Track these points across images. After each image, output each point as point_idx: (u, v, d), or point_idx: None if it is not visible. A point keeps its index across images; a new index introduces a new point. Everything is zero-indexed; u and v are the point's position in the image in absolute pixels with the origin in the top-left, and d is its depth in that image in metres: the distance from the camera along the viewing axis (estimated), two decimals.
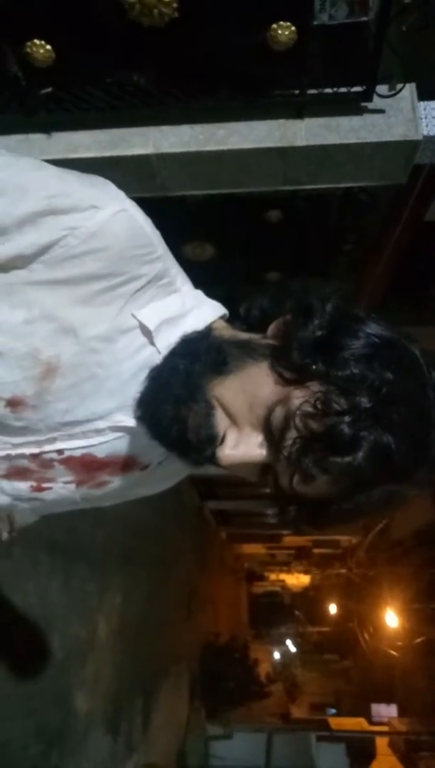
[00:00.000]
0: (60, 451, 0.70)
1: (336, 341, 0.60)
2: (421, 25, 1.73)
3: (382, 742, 8.87)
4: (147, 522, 4.99)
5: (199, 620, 8.08)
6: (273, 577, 20.72)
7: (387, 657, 10.31)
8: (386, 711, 10.56)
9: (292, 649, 16.49)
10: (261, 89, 1.88)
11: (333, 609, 15.03)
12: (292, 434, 0.59)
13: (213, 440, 0.64)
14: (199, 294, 0.73)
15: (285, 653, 16.31)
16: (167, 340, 0.67)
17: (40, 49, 1.76)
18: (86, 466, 0.73)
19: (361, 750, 7.68)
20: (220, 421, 0.64)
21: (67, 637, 3.20)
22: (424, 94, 1.91)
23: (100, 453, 0.72)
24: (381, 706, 10.70)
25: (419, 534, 7.75)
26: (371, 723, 9.90)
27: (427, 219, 2.98)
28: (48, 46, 1.76)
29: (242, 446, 0.63)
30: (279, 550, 17.19)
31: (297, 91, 1.86)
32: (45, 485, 0.74)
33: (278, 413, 0.61)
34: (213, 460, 0.65)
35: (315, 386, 0.60)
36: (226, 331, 0.70)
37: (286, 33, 1.66)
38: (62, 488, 0.75)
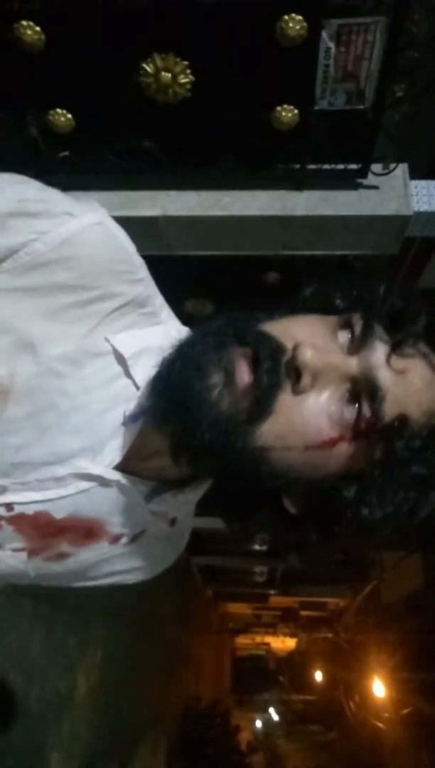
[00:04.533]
0: (9, 506, 0.58)
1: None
2: (413, 113, 1.89)
3: None
4: None
5: (181, 682, 7.80)
6: (258, 639, 20.08)
7: (374, 730, 9.92)
8: None
9: (275, 717, 15.84)
10: (264, 162, 2.02)
11: (319, 676, 14.53)
12: (378, 317, 0.54)
13: (282, 354, 0.51)
14: (185, 330, 0.63)
15: (267, 721, 15.65)
16: (146, 373, 0.57)
17: (62, 117, 1.89)
18: (40, 530, 0.59)
19: None
20: (287, 341, 0.52)
21: (47, 690, 3.12)
22: (416, 174, 2.05)
23: (59, 512, 0.59)
24: None
25: (409, 599, 7.62)
26: None
27: (420, 286, 3.13)
28: (69, 115, 1.89)
29: (324, 350, 0.51)
30: (265, 611, 16.75)
31: (298, 166, 2.00)
32: None
33: (356, 316, 0.54)
34: (279, 380, 0.50)
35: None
36: None
37: (289, 115, 1.81)
38: (10, 557, 0.61)
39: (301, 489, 0.54)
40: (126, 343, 0.58)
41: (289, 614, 15.57)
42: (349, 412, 0.51)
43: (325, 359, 0.50)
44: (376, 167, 2.01)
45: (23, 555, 0.61)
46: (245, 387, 0.49)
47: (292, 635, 17.54)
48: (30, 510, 0.58)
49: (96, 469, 0.57)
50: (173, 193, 2.10)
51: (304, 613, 14.56)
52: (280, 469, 0.51)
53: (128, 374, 0.58)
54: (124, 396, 0.58)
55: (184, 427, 0.50)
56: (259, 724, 15.41)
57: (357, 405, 0.51)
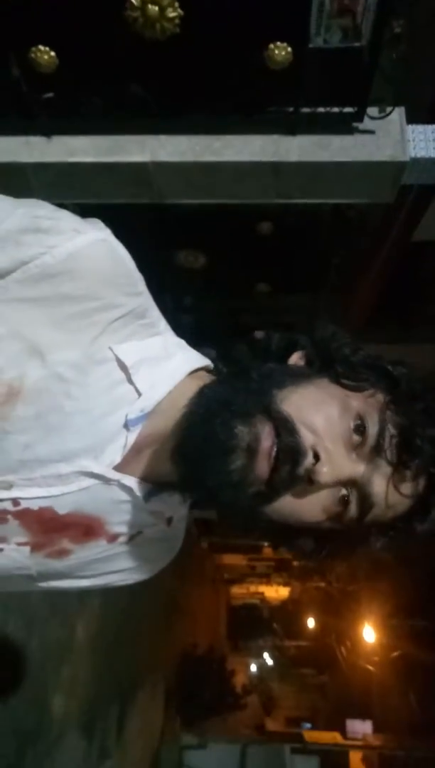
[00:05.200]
0: (15, 501, 0.62)
1: (372, 360, 0.65)
2: (411, 53, 1.81)
3: (355, 758, 8.86)
4: None
5: (178, 630, 8.05)
6: (252, 589, 20.64)
7: (364, 673, 10.33)
8: (361, 727, 10.54)
9: (269, 662, 16.43)
10: (257, 105, 1.95)
11: (311, 623, 15.02)
12: (389, 433, 0.59)
13: (301, 458, 0.56)
14: (183, 342, 0.70)
15: (262, 666, 16.25)
16: (147, 380, 0.63)
17: (45, 55, 1.81)
18: (44, 525, 0.64)
19: (334, 764, 7.67)
20: (305, 437, 0.57)
21: (47, 638, 3.21)
22: (413, 118, 1.98)
23: (62, 508, 0.63)
24: (356, 722, 10.68)
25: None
26: (346, 738, 9.88)
27: (415, 239, 3.07)
28: (52, 53, 1.81)
29: (339, 462, 0.58)
30: (259, 561, 17.17)
31: (291, 109, 1.93)
32: None
33: (371, 417, 0.60)
34: (291, 485, 0.57)
35: (379, 394, 0.63)
36: None
37: (283, 53, 1.73)
38: (15, 551, 0.65)
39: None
40: (127, 352, 0.62)
41: (283, 565, 15.98)
42: (340, 508, 0.61)
43: (336, 475, 0.58)
44: (372, 111, 1.94)
45: (27, 550, 0.65)
46: (262, 475, 0.56)
47: (285, 584, 18.03)
48: (35, 505, 0.62)
49: (97, 468, 0.61)
50: (163, 138, 2.03)
51: (297, 563, 14.94)
52: (275, 521, 0.62)
53: (130, 381, 0.62)
54: (126, 401, 0.62)
55: (206, 491, 0.58)
56: (253, 668, 16.00)
57: (347, 505, 0.61)
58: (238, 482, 0.56)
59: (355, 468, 0.59)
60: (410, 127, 1.96)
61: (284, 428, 0.56)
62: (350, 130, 1.96)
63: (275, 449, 0.56)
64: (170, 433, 0.61)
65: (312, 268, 2.95)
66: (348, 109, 1.91)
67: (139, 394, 0.63)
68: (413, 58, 1.83)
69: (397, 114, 1.95)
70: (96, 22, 1.73)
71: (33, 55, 1.82)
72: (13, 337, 0.58)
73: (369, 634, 9.63)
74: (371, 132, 1.95)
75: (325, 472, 0.57)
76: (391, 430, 0.60)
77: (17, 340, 0.58)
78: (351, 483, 0.60)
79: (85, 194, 2.19)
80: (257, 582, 20.01)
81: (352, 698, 11.11)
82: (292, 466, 0.56)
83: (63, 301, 0.59)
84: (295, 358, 0.67)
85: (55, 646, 3.39)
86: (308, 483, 0.57)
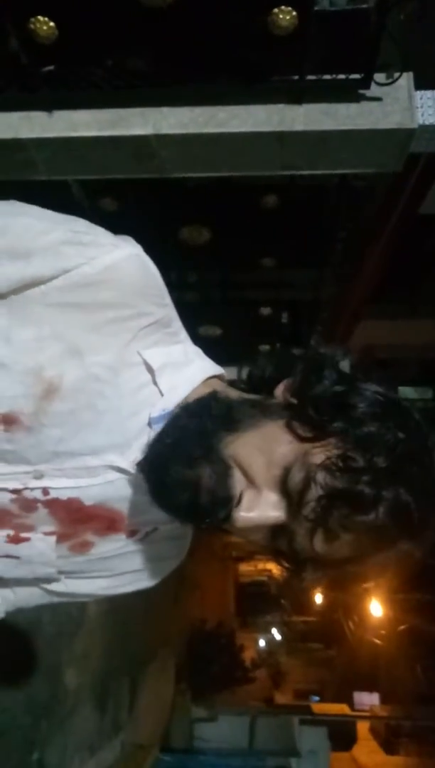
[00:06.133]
0: (45, 490, 0.67)
1: (348, 400, 0.61)
2: (419, 14, 1.76)
3: (363, 728, 9.03)
4: None
5: (187, 606, 8.17)
6: (260, 566, 20.87)
7: (371, 646, 10.46)
8: (368, 699, 10.72)
9: (278, 637, 16.65)
10: (261, 74, 1.90)
11: (319, 599, 15.19)
12: (314, 493, 0.58)
13: (229, 501, 0.61)
14: (200, 351, 0.75)
15: (270, 641, 16.47)
16: (170, 383, 0.68)
17: (44, 25, 1.77)
18: (71, 515, 0.69)
19: (342, 734, 7.81)
20: (238, 481, 0.62)
21: (58, 614, 3.25)
22: (422, 84, 1.93)
23: (88, 499, 0.68)
24: (363, 694, 10.86)
25: None
26: (353, 710, 10.06)
27: (422, 212, 3.02)
28: (51, 23, 1.77)
29: (259, 507, 0.61)
30: None
31: (296, 77, 1.88)
32: (23, 535, 0.70)
33: (297, 471, 0.60)
34: (223, 523, 0.62)
35: (331, 444, 0.60)
36: (232, 392, 0.71)
37: (287, 17, 1.68)
38: (41, 541, 0.70)
39: None
40: (154, 357, 0.68)
41: None
42: (278, 542, 0.64)
43: (251, 521, 0.61)
44: (380, 77, 1.89)
45: (52, 540, 0.70)
46: (206, 505, 0.61)
47: None
48: (64, 495, 0.67)
49: (123, 463, 0.66)
50: (165, 110, 1.99)
51: None
52: None
53: (155, 383, 0.68)
54: (150, 402, 0.67)
55: (166, 504, 0.64)
56: (262, 643, 16.23)
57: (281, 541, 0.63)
58: (187, 508, 0.62)
59: (273, 515, 0.61)
60: (419, 93, 1.91)
61: (220, 472, 0.61)
62: (357, 98, 1.91)
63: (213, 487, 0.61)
64: None
65: (318, 242, 2.91)
66: (354, 76, 1.86)
67: (162, 395, 0.68)
68: (422, 19, 1.78)
69: (405, 79, 1.90)
70: None
71: (32, 26, 1.78)
72: (55, 339, 0.64)
73: (376, 608, 9.73)
74: (378, 99, 1.91)
75: (240, 517, 0.61)
76: (316, 489, 0.58)
77: (58, 341, 0.64)
78: (279, 527, 0.62)
79: (87, 169, 2.16)
80: (265, 559, 20.20)
81: (360, 671, 11.28)
82: (219, 507, 0.61)
83: (100, 307, 0.64)
84: (281, 389, 0.67)
85: (67, 621, 3.44)
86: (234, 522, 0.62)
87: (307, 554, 0.62)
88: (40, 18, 1.76)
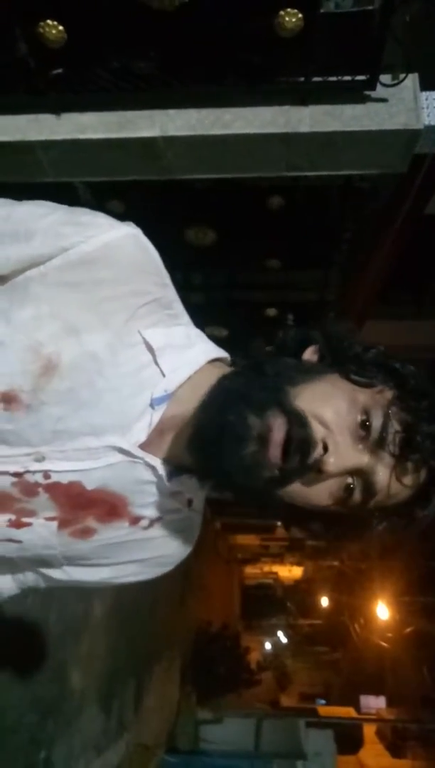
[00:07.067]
0: (46, 474, 0.65)
1: (385, 359, 0.69)
2: (424, 15, 1.77)
3: (369, 732, 8.99)
4: None
5: (192, 608, 8.16)
6: (266, 568, 20.83)
7: (377, 649, 10.44)
8: (375, 703, 10.69)
9: (283, 640, 16.63)
10: (267, 75, 1.92)
11: (325, 602, 15.16)
12: (393, 428, 0.64)
13: (313, 449, 0.61)
14: (203, 335, 0.74)
15: (276, 644, 16.46)
16: (171, 364, 0.67)
17: (53, 29, 1.79)
18: (72, 500, 0.67)
19: (348, 737, 7.79)
20: (317, 428, 0.62)
21: (65, 614, 3.26)
22: (427, 85, 1.94)
23: (90, 483, 0.66)
24: (370, 697, 10.83)
25: None
26: (360, 713, 10.02)
27: (428, 212, 3.02)
28: (60, 27, 1.79)
29: (347, 451, 0.63)
30: (272, 541, 17.30)
31: (302, 78, 1.90)
32: (24, 520, 0.68)
33: (375, 412, 0.64)
34: (308, 472, 0.62)
35: (387, 391, 0.67)
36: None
37: (293, 20, 1.70)
38: (43, 526, 0.68)
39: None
40: (154, 337, 0.67)
41: (296, 544, 16.10)
42: (345, 494, 0.65)
43: (342, 465, 0.63)
44: (385, 78, 1.90)
45: (54, 525, 0.68)
46: (275, 462, 0.61)
47: (298, 564, 18.18)
48: (65, 479, 0.66)
49: (125, 444, 0.65)
50: (172, 112, 2.00)
51: (309, 542, 15.04)
52: (286, 503, 0.66)
53: (156, 363, 0.67)
54: (152, 383, 0.67)
55: (220, 473, 0.64)
56: (268, 646, 16.22)
57: (351, 492, 0.65)
58: (250, 467, 0.60)
59: (360, 459, 0.64)
60: (424, 94, 1.92)
61: (297, 422, 0.61)
62: (362, 99, 1.92)
63: (286, 440, 0.60)
64: (190, 418, 0.66)
65: (323, 244, 2.92)
66: (360, 77, 1.87)
67: (164, 376, 0.67)
68: (427, 20, 1.78)
69: (411, 80, 1.91)
70: None
71: (41, 30, 1.80)
72: (54, 317, 0.64)
73: (382, 611, 9.71)
74: (384, 100, 1.91)
75: (332, 462, 0.61)
76: (395, 425, 0.64)
77: (57, 319, 0.63)
78: (356, 472, 0.64)
79: (94, 171, 2.17)
80: (271, 562, 20.18)
81: (366, 674, 11.25)
82: (302, 456, 0.61)
83: (97, 285, 0.64)
84: (309, 353, 0.71)
85: (73, 621, 3.45)
86: (317, 472, 0.62)
87: (379, 500, 0.65)
88: (49, 22, 1.78)
